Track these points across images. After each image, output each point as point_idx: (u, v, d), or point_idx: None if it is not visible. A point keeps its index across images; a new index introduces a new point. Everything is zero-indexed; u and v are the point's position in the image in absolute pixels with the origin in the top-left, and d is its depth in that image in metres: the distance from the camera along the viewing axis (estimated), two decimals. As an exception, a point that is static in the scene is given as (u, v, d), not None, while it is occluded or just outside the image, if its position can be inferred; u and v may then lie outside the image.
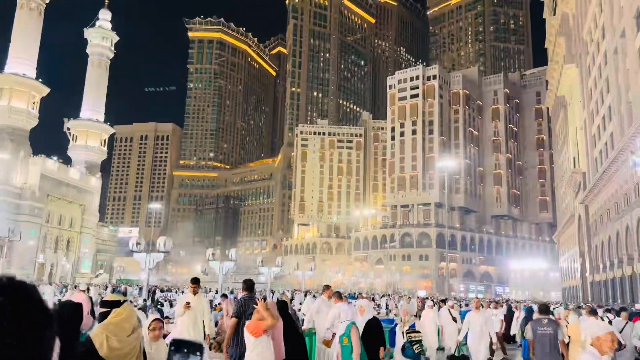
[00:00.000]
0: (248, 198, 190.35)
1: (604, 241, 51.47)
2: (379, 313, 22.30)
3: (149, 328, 5.19)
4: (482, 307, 13.23)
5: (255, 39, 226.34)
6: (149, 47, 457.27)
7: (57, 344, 1.03)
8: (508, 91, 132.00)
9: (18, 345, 0.95)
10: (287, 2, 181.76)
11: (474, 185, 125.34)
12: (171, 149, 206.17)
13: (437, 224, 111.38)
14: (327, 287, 10.03)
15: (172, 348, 3.70)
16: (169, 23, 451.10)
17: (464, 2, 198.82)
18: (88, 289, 35.16)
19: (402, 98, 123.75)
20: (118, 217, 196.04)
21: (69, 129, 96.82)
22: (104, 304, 3.48)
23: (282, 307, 7.43)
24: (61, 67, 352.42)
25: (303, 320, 12.44)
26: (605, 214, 51.13)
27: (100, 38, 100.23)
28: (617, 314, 15.12)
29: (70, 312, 3.22)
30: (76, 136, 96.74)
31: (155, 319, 5.38)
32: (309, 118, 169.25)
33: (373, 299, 31.32)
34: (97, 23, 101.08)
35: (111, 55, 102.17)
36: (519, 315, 19.74)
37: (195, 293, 8.47)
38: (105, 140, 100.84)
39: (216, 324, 15.09)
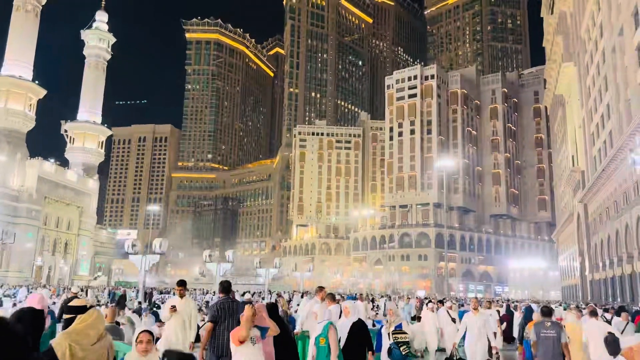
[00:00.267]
0: (246, 199, 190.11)
1: (603, 240, 51.31)
2: (377, 314, 22.04)
3: (136, 340, 4.46)
4: (481, 306, 13.05)
5: (253, 40, 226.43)
6: (146, 48, 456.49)
7: None
8: (506, 90, 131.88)
9: None
10: (284, 2, 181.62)
11: (472, 184, 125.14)
12: (169, 150, 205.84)
13: (436, 223, 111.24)
14: (321, 288, 9.71)
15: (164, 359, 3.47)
16: (166, 24, 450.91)
17: (461, 2, 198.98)
18: (85, 291, 34.93)
19: (400, 98, 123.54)
20: (116, 220, 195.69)
21: (66, 131, 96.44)
22: (69, 309, 3.24)
23: (272, 309, 7.19)
24: (58, 69, 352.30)
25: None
26: (604, 213, 50.99)
27: (97, 40, 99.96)
28: (617, 313, 14.84)
29: (29, 320, 2.97)
30: (73, 138, 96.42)
31: (143, 331, 4.56)
32: (307, 119, 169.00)
33: (373, 300, 31.01)
34: (94, 25, 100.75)
35: (108, 57, 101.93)
36: (519, 316, 19.49)
37: (182, 296, 8.21)
38: (102, 142, 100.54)
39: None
